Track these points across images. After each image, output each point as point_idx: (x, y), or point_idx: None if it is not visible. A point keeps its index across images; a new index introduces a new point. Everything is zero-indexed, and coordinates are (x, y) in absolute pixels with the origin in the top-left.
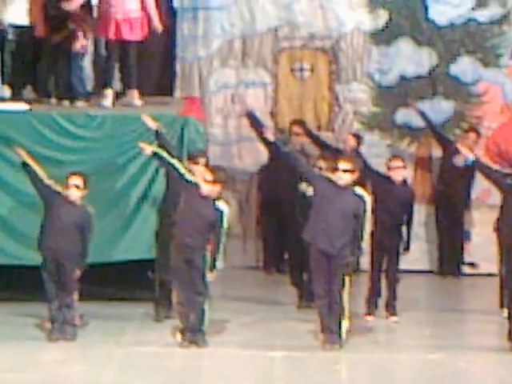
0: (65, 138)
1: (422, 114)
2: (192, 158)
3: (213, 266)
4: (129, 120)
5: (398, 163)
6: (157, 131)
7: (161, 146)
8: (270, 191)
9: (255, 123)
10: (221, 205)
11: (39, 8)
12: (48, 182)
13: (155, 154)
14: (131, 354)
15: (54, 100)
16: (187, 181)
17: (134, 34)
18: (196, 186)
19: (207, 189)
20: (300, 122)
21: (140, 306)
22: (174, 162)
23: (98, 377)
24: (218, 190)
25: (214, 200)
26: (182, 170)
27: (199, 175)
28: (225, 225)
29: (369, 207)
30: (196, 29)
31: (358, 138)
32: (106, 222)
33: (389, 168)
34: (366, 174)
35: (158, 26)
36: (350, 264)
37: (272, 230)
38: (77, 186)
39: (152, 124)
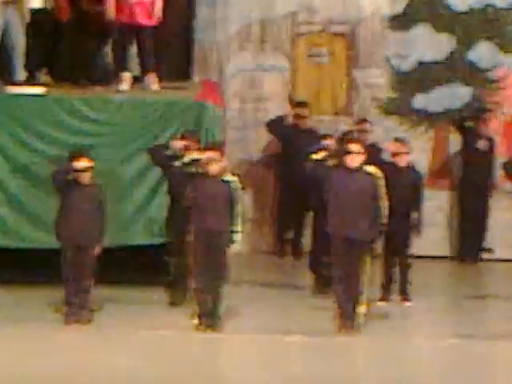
0: (82, 122)
1: None
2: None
3: (232, 240)
4: (146, 105)
5: (400, 148)
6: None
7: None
8: (287, 176)
9: None
10: (230, 178)
11: None
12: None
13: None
14: (147, 338)
15: (72, 83)
16: (190, 175)
17: (147, 19)
18: (201, 174)
19: (215, 168)
20: (305, 104)
21: (155, 290)
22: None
23: (114, 360)
24: (225, 164)
25: (223, 176)
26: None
27: (206, 157)
28: (238, 195)
29: (383, 183)
30: (214, 13)
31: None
32: (121, 207)
33: (393, 154)
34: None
35: (159, 12)
36: (373, 247)
37: (288, 214)
38: (86, 169)
39: None
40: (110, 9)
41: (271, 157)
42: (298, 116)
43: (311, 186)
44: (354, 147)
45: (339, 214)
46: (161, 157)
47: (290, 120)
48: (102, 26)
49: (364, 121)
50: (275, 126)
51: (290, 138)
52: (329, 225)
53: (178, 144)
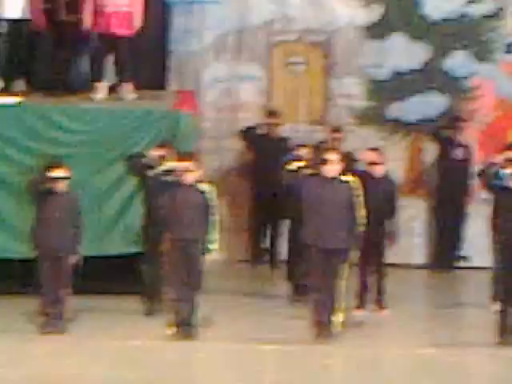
0: (58, 132)
1: None
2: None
3: (208, 249)
4: (122, 114)
5: (375, 157)
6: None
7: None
8: (260, 185)
9: None
10: (205, 187)
11: (38, 1)
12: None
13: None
14: (122, 348)
15: (48, 93)
16: (166, 183)
17: (124, 29)
18: (177, 183)
19: (190, 177)
20: (276, 114)
21: (131, 299)
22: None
23: (90, 371)
24: (199, 173)
25: (198, 185)
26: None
27: (181, 167)
28: (213, 203)
29: (359, 192)
30: (190, 22)
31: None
32: (97, 216)
33: (368, 163)
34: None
35: (139, 22)
36: (350, 256)
37: (263, 223)
38: (61, 178)
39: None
40: (87, 19)
41: (245, 166)
42: (269, 125)
43: (287, 194)
44: (331, 156)
45: (316, 223)
46: (137, 166)
47: (263, 129)
48: (79, 36)
49: (337, 130)
50: (248, 135)
51: (263, 147)
52: (305, 234)
53: (155, 153)
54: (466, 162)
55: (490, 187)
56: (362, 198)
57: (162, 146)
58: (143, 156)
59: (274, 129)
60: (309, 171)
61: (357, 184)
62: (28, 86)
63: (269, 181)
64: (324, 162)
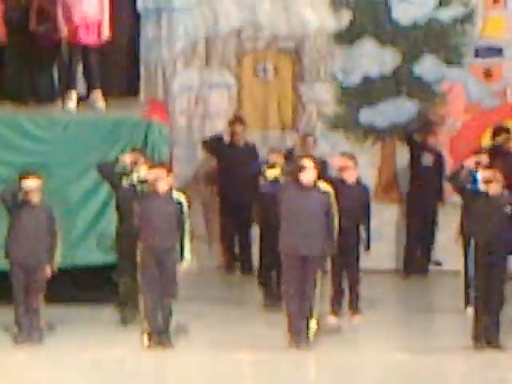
0: (30, 142)
1: None
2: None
3: (181, 257)
4: (93, 123)
5: (347, 163)
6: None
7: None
8: (227, 193)
9: None
10: (176, 195)
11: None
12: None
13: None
14: (97, 358)
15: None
16: (139, 192)
17: (94, 38)
18: (149, 192)
19: (163, 186)
20: (239, 121)
21: (106, 308)
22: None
23: (65, 380)
24: (171, 181)
25: (170, 194)
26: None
27: (153, 175)
28: (186, 213)
29: (333, 199)
30: (159, 31)
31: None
32: (72, 225)
33: (340, 169)
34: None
35: (106, 31)
36: (325, 263)
37: (235, 230)
38: (35, 188)
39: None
40: (62, 28)
41: (214, 174)
42: (232, 133)
43: (257, 202)
44: (307, 163)
45: (293, 231)
46: (110, 173)
47: (228, 137)
48: (49, 46)
49: (308, 135)
50: (211, 144)
51: (226, 156)
52: (281, 242)
53: (127, 158)
54: (436, 166)
55: (461, 191)
56: (335, 205)
57: (134, 151)
58: (116, 164)
59: (237, 137)
60: (288, 179)
61: (331, 191)
62: None
63: (237, 188)
64: (300, 169)
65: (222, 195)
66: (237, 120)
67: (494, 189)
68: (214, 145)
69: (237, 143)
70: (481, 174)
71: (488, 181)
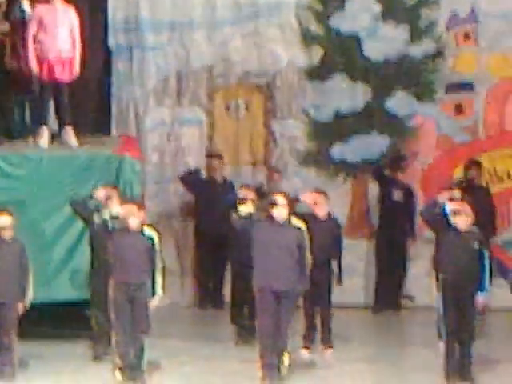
0: (2, 179)
1: None
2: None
3: (153, 293)
4: (65, 160)
5: (318, 198)
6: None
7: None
8: (203, 228)
9: None
10: (148, 231)
11: None
12: None
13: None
14: None
15: None
16: (111, 228)
17: (65, 74)
18: (121, 228)
19: (135, 222)
20: (217, 156)
21: (79, 344)
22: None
23: None
24: (143, 217)
25: (142, 230)
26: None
27: (125, 211)
28: (157, 249)
29: (306, 236)
30: (131, 68)
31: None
32: (42, 263)
33: (312, 204)
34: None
35: (76, 68)
36: (298, 298)
37: (208, 266)
38: (6, 226)
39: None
40: (33, 65)
41: (189, 209)
42: (210, 168)
43: (231, 238)
44: (279, 199)
45: (266, 266)
46: (83, 208)
47: (205, 172)
48: (21, 83)
49: (274, 171)
50: (188, 179)
51: (204, 191)
52: (255, 277)
53: (101, 193)
54: (407, 202)
55: (433, 225)
56: (308, 241)
57: (106, 187)
58: (89, 199)
59: (215, 172)
60: (261, 215)
61: (303, 227)
62: None
63: (215, 224)
64: (273, 205)
65: (199, 230)
66: (215, 155)
67: (462, 221)
68: (191, 180)
69: (215, 178)
70: (449, 206)
71: (456, 212)
